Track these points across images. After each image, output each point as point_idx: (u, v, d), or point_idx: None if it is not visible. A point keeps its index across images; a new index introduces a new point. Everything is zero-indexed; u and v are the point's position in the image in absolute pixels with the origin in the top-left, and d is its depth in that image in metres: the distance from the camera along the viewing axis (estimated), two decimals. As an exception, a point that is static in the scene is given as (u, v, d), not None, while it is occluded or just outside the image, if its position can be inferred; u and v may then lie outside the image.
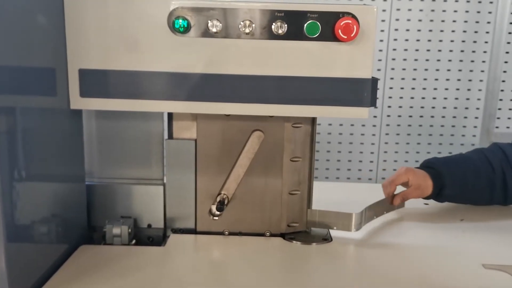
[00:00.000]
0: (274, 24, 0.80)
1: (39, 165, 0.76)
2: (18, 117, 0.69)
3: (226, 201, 0.95)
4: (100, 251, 0.87)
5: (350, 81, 0.82)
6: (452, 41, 2.24)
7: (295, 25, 0.80)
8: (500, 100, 2.30)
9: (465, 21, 2.23)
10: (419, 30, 2.23)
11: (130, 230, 0.93)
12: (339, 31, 0.79)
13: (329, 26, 0.80)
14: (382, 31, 2.22)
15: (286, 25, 0.80)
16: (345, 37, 0.79)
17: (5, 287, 0.66)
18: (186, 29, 0.80)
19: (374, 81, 0.84)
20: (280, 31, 0.80)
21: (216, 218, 0.96)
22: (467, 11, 2.22)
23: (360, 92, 0.83)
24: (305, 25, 0.80)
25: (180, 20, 0.80)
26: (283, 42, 0.81)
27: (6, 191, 0.65)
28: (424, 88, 2.30)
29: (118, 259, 0.84)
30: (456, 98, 2.31)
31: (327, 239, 0.95)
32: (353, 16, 0.79)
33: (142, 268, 0.81)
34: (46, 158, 0.78)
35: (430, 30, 2.23)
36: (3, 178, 0.64)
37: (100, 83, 0.83)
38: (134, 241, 0.94)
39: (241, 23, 0.80)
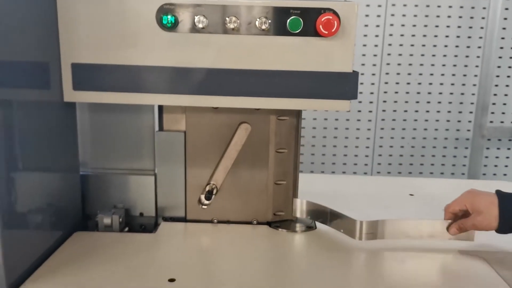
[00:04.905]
0: (258, 20, 0.83)
1: (34, 156, 0.79)
2: (14, 110, 0.73)
3: (214, 191, 0.98)
4: (94, 238, 0.92)
5: (331, 75, 0.85)
6: (447, 36, 2.26)
7: (278, 21, 0.83)
8: (495, 95, 2.32)
9: (460, 17, 2.24)
10: (414, 26, 2.25)
11: (121, 219, 0.96)
12: (320, 26, 0.82)
13: (310, 22, 0.83)
14: (377, 26, 2.24)
15: (269, 21, 0.83)
16: (326, 32, 0.82)
17: (0, 269, 0.70)
18: (174, 25, 0.84)
19: (355, 74, 0.87)
20: (264, 27, 0.83)
21: (205, 207, 1.00)
22: (461, 7, 2.24)
23: (342, 85, 0.86)
24: (288, 21, 0.83)
25: (168, 16, 0.83)
26: (266, 37, 0.84)
27: (2, 181, 0.69)
28: (419, 83, 2.32)
29: (111, 245, 0.88)
30: (451, 93, 2.33)
31: (311, 227, 0.99)
32: (334, 12, 0.83)
33: (134, 254, 0.86)
34: (41, 149, 0.82)
35: (425, 26, 2.25)
36: (1, 169, 0.67)
37: (92, 77, 0.86)
38: (127, 229, 0.98)
39: (227, 18, 0.84)
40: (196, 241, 0.94)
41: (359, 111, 2.33)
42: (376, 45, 2.26)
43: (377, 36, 2.25)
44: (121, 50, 0.85)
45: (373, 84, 2.30)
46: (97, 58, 0.85)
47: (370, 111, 2.34)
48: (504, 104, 2.35)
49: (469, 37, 2.26)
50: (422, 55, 2.27)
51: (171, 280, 0.76)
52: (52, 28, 0.83)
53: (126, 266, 0.81)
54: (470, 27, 2.25)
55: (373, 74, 2.29)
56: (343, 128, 2.35)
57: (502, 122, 2.37)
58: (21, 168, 0.75)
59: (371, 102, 2.33)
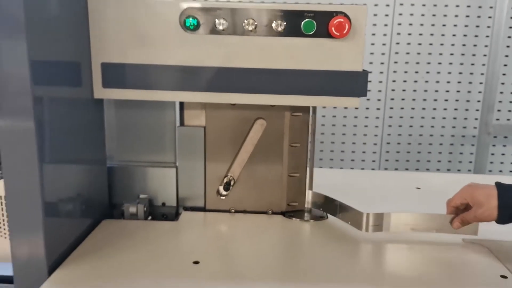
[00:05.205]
0: (274, 22, 0.90)
1: (68, 150, 0.86)
2: (52, 106, 0.79)
3: (232, 182, 1.05)
4: (121, 225, 0.99)
5: (342, 73, 0.91)
6: (454, 35, 2.30)
7: (293, 23, 0.89)
8: (501, 93, 2.35)
9: (467, 16, 2.28)
10: (421, 25, 2.30)
11: (145, 208, 1.03)
12: (333, 28, 0.88)
13: (323, 24, 0.89)
14: (385, 25, 2.29)
15: (285, 23, 0.89)
16: (338, 34, 0.88)
17: (41, 254, 0.77)
18: (196, 27, 0.90)
19: (365, 73, 0.92)
20: (279, 29, 0.90)
21: (223, 197, 1.06)
22: (468, 6, 2.27)
23: (352, 83, 0.92)
24: (302, 23, 0.89)
25: (191, 19, 0.90)
26: (282, 38, 0.90)
27: (43, 173, 0.75)
28: (426, 81, 2.36)
29: (137, 232, 0.95)
30: (458, 91, 2.37)
31: (323, 217, 1.05)
32: (345, 15, 0.89)
33: (159, 239, 0.92)
34: (74, 143, 0.89)
35: (433, 25, 2.29)
36: (41, 162, 0.74)
37: (120, 75, 0.93)
38: (150, 217, 1.05)
39: (245, 21, 0.90)
40: (215, 228, 1.01)
41: (367, 108, 2.38)
42: (384, 44, 2.30)
43: (385, 35, 2.30)
44: (146, 50, 0.92)
45: (381, 82, 2.35)
46: (125, 58, 0.92)
47: (378, 109, 2.39)
48: (510, 102, 2.39)
49: (476, 36, 2.30)
50: (429, 53, 2.32)
51: (196, 263, 0.83)
52: (84, 30, 0.90)
53: (152, 250, 0.88)
54: (477, 26, 2.29)
55: (381, 72, 2.34)
56: (351, 125, 2.40)
57: (508, 119, 2.40)
58: (58, 161, 0.82)
59: (379, 100, 2.37)
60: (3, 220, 0.81)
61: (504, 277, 0.81)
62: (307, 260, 0.88)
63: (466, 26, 2.29)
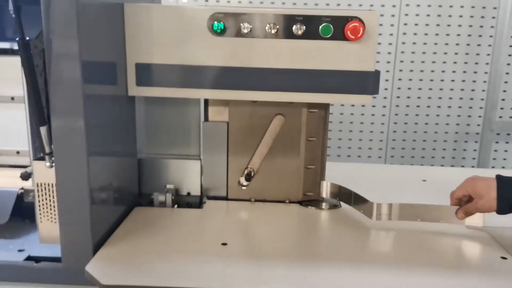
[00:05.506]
0: (294, 26, 0.98)
1: (108, 143, 0.95)
2: (96, 103, 0.88)
3: (252, 174, 1.13)
4: (151, 212, 1.07)
5: (356, 73, 1.00)
6: (458, 35, 2.36)
7: (312, 27, 0.98)
8: (504, 91, 2.41)
9: (471, 16, 2.35)
10: (427, 25, 2.36)
11: (173, 197, 1.12)
12: (348, 32, 0.96)
13: (339, 28, 0.97)
14: (392, 25, 2.36)
15: (304, 27, 0.98)
16: (353, 37, 0.97)
17: (88, 236, 0.86)
18: (223, 30, 0.98)
19: (377, 73, 1.01)
20: (299, 32, 0.98)
21: (244, 187, 1.15)
22: (473, 7, 2.34)
23: (365, 82, 1.00)
24: (320, 27, 0.97)
25: (218, 23, 0.98)
26: (301, 41, 0.99)
27: (90, 164, 0.84)
28: (431, 80, 2.43)
29: (167, 217, 1.04)
30: (462, 89, 2.44)
31: (337, 205, 1.14)
32: (360, 20, 0.97)
33: (188, 224, 1.01)
34: (112, 137, 0.98)
35: (438, 25, 2.36)
36: (88, 154, 0.83)
37: (152, 74, 1.01)
38: (176, 206, 1.14)
39: (267, 25, 0.98)
40: (238, 215, 1.10)
41: (374, 106, 2.44)
42: (390, 44, 2.37)
43: (391, 35, 2.37)
44: (177, 52, 1.00)
45: (387, 80, 2.42)
46: (157, 58, 1.01)
47: (384, 106, 2.46)
48: (514, 100, 2.45)
49: (480, 36, 2.36)
50: (434, 53, 2.38)
51: (224, 244, 0.91)
52: (120, 34, 0.99)
53: (182, 233, 0.97)
54: (481, 26, 2.35)
55: (387, 71, 2.41)
56: (358, 122, 2.47)
57: (510, 117, 2.46)
58: (100, 153, 0.91)
59: (385, 98, 2.44)
60: (54, 206, 0.90)
61: (504, 258, 0.89)
62: (322, 242, 0.97)
63: (470, 26, 2.35)
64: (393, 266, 0.86)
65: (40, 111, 0.82)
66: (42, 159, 0.89)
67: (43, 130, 0.83)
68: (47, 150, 0.84)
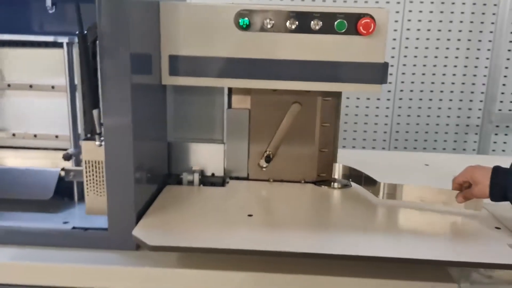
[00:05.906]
0: (312, 22, 1.09)
1: (146, 127, 1.06)
2: (138, 90, 0.99)
3: (271, 156, 1.25)
4: (181, 190, 1.19)
5: (367, 65, 1.11)
6: (460, 30, 2.45)
7: (328, 23, 1.09)
8: (503, 85, 2.50)
9: (472, 13, 2.44)
10: (430, 21, 2.45)
11: (200, 177, 1.24)
12: (361, 27, 1.07)
13: (353, 24, 1.08)
14: (396, 21, 2.45)
15: (321, 23, 1.09)
16: (365, 32, 1.08)
17: (132, 208, 0.97)
18: (248, 26, 1.09)
19: (386, 65, 1.12)
20: (316, 27, 1.09)
21: (264, 169, 1.27)
22: (474, 4, 2.43)
23: (375, 73, 1.11)
24: (335, 23, 1.08)
25: (243, 19, 1.09)
26: (318, 35, 1.10)
27: (135, 148, 0.94)
28: (433, 74, 2.53)
29: (195, 194, 1.16)
30: (463, 83, 2.53)
31: (347, 185, 1.25)
32: (371, 16, 1.08)
33: (215, 200, 1.13)
34: (149, 122, 1.09)
35: (440, 21, 2.45)
36: (134, 136, 0.93)
37: (184, 65, 1.12)
38: (201, 185, 1.25)
39: (288, 21, 1.09)
40: (259, 193, 1.21)
41: (378, 99, 2.54)
42: (394, 39, 2.46)
43: (395, 30, 2.46)
44: (205, 45, 1.11)
45: (391, 74, 2.51)
46: (188, 51, 1.12)
47: (388, 99, 2.56)
48: (512, 93, 2.55)
49: (481, 31, 2.45)
50: (437, 48, 2.48)
51: (250, 215, 1.03)
52: (155, 28, 1.10)
53: (211, 206, 1.08)
54: (482, 22, 2.44)
55: (391, 66, 2.49)
56: (363, 115, 2.57)
57: (510, 110, 2.56)
58: (141, 137, 1.01)
59: (389, 91, 2.54)
60: (101, 181, 1.01)
61: (497, 228, 1.01)
62: (334, 215, 1.09)
63: (471, 22, 2.44)
64: (394, 232, 0.98)
65: (94, 96, 0.93)
66: (89, 139, 1.01)
67: (95, 112, 0.94)
68: (97, 130, 0.96)
